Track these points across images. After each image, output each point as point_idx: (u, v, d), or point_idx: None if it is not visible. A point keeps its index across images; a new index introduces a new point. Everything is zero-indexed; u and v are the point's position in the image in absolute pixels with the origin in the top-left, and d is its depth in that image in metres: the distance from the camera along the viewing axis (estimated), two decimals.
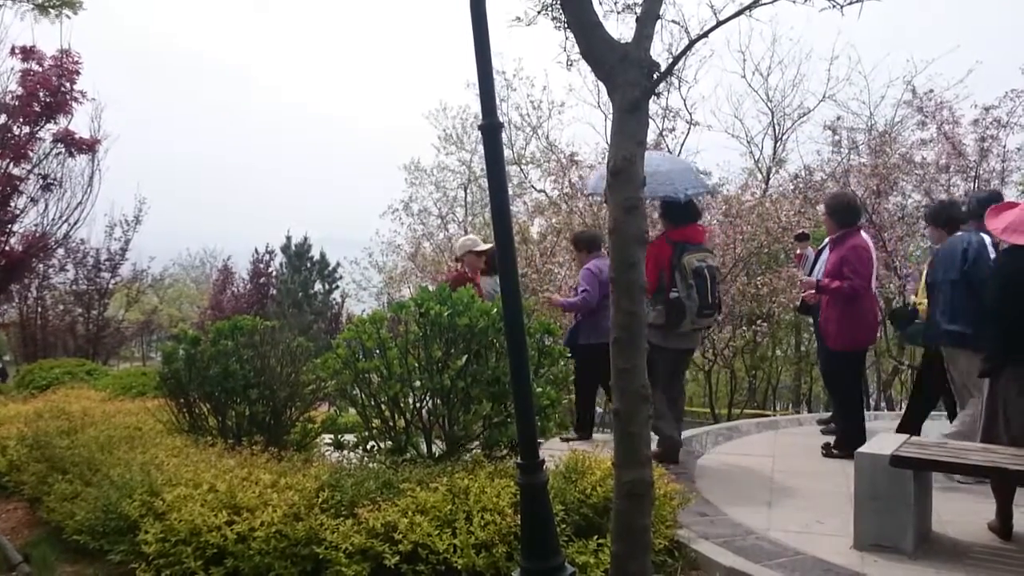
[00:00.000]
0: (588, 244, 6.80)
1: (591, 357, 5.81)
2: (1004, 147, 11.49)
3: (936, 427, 5.56)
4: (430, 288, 4.85)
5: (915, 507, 3.79)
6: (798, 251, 8.21)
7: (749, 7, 2.91)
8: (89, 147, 12.97)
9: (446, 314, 4.45)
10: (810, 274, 6.36)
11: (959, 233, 5.08)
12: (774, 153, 18.78)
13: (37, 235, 12.84)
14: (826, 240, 6.20)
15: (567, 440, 6.32)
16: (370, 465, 4.49)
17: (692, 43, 3.09)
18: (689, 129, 16.41)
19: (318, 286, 25.62)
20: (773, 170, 17.80)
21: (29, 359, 14.09)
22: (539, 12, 3.40)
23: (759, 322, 13.20)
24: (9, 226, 12.38)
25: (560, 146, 16.72)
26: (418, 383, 4.49)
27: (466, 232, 17.47)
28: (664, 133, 15.80)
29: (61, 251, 14.62)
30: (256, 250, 24.81)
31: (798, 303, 7.85)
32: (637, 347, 2.77)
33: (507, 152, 17.42)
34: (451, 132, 20.28)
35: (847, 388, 6.01)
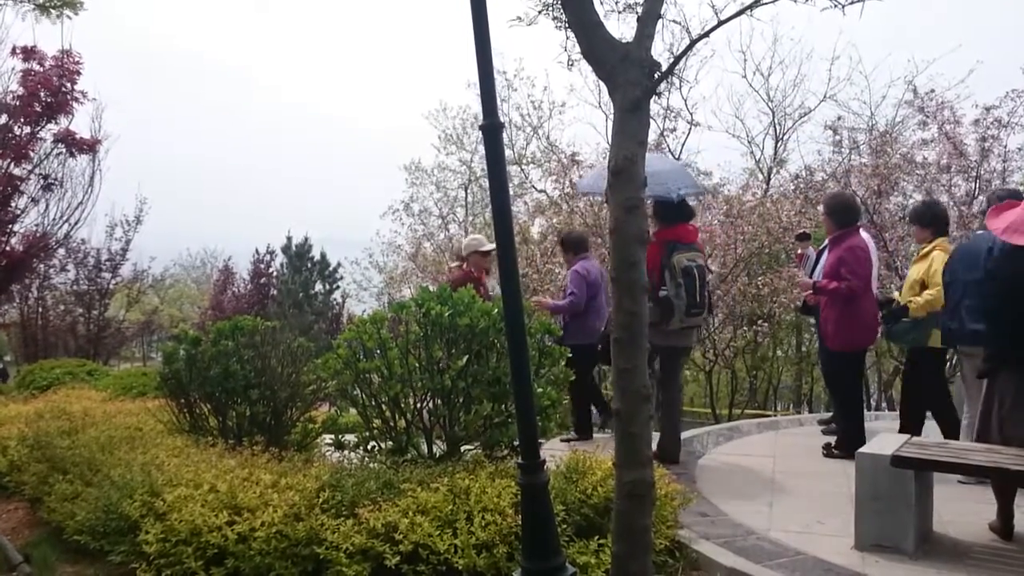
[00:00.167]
0: (576, 246, 6.81)
1: (578, 357, 5.81)
2: (1005, 147, 11.47)
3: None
4: (431, 288, 4.85)
5: (916, 507, 3.79)
6: (799, 251, 8.20)
7: (750, 7, 2.90)
8: (90, 147, 12.98)
9: (447, 314, 4.45)
10: (811, 274, 6.35)
11: (980, 232, 5.04)
12: (775, 153, 18.78)
13: (38, 235, 12.85)
14: (827, 240, 6.20)
15: (567, 440, 6.32)
16: (371, 465, 4.49)
17: (693, 43, 3.09)
18: (690, 129, 16.45)
19: (319, 286, 25.65)
20: (774, 170, 17.81)
21: (30, 359, 14.10)
22: (540, 12, 3.39)
23: (760, 322, 13.19)
24: (10, 226, 12.39)
25: (561, 146, 16.74)
26: (419, 383, 4.49)
27: (467, 232, 17.47)
28: (665, 133, 15.81)
29: (62, 251, 14.64)
30: (257, 250, 24.84)
31: (800, 303, 7.85)
32: (638, 347, 2.77)
33: (508, 152, 17.44)
34: (451, 132, 20.29)
35: (847, 388, 6.01)
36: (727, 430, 7.14)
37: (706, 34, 3.04)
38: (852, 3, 2.91)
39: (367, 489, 3.78)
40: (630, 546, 2.80)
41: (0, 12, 11.05)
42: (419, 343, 4.53)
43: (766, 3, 2.86)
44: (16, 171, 12.29)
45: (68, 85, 12.51)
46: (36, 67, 12.36)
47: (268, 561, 3.50)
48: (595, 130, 28.59)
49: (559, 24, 3.31)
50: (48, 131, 12.59)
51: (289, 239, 25.66)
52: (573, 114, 58.62)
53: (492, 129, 2.90)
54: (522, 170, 18.29)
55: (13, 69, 12.29)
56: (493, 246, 7.00)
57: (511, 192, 13.02)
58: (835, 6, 2.94)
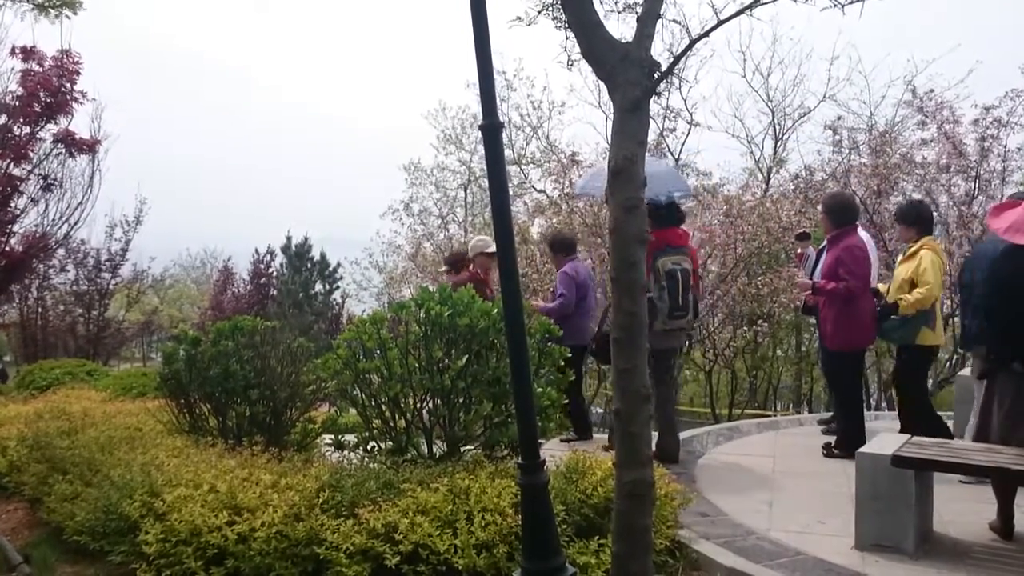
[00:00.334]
0: (564, 247, 6.85)
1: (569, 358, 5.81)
2: (1005, 147, 11.45)
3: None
4: (431, 288, 4.85)
5: (916, 507, 3.79)
6: (799, 251, 8.20)
7: (750, 6, 2.90)
8: (89, 147, 12.97)
9: (447, 314, 4.45)
10: (811, 274, 6.36)
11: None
12: (775, 153, 18.78)
13: (37, 235, 12.84)
14: (825, 240, 6.21)
15: (567, 440, 6.32)
16: (371, 465, 4.49)
17: (693, 42, 3.08)
18: (690, 129, 16.45)
19: (318, 286, 25.64)
20: (774, 170, 17.79)
21: (29, 360, 14.09)
22: (539, 12, 3.39)
23: (760, 322, 13.18)
24: (9, 226, 12.37)
25: (561, 146, 16.74)
26: (419, 383, 4.49)
27: (466, 232, 17.48)
28: (665, 133, 15.82)
29: (61, 251, 14.62)
30: (256, 250, 24.82)
31: (800, 303, 7.86)
32: (638, 347, 2.77)
33: (507, 152, 17.42)
34: (450, 132, 20.30)
35: (846, 388, 6.01)
36: (727, 430, 7.14)
37: (706, 34, 3.04)
38: (852, 2, 2.91)
39: (367, 489, 3.78)
40: (630, 546, 2.79)
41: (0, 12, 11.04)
42: (419, 343, 4.53)
43: (766, 3, 2.86)
44: (16, 171, 12.27)
45: (67, 85, 12.50)
46: (35, 67, 12.35)
47: (268, 561, 3.50)
48: (595, 130, 28.61)
49: (559, 24, 3.31)
50: (48, 131, 12.58)
51: (289, 239, 25.66)
52: (573, 114, 58.57)
53: (492, 129, 2.90)
54: (522, 170, 18.30)
55: (12, 69, 12.30)
56: None
57: (511, 192, 13.03)
58: (835, 6, 2.94)
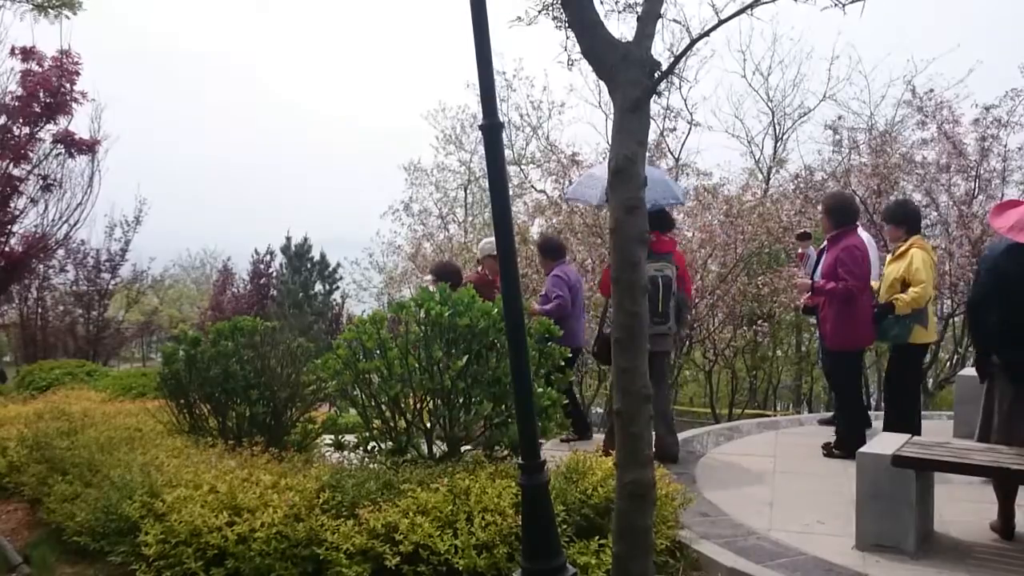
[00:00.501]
0: (554, 251, 6.91)
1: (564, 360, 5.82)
2: (1005, 146, 11.44)
3: (937, 428, 5.56)
4: (431, 288, 4.85)
5: (917, 507, 3.78)
6: (800, 250, 8.19)
7: (750, 6, 2.90)
8: (89, 148, 12.95)
9: (447, 314, 4.45)
10: (812, 273, 6.35)
11: None
12: (775, 153, 18.82)
13: (37, 236, 12.82)
14: (825, 239, 6.21)
15: (567, 440, 6.32)
16: (371, 466, 4.49)
17: (693, 42, 3.08)
18: (690, 129, 16.46)
19: (318, 287, 25.59)
20: (774, 170, 17.83)
21: (29, 360, 14.08)
22: (540, 12, 3.39)
23: (760, 322, 13.19)
24: (9, 227, 12.36)
25: (560, 146, 16.70)
26: (419, 383, 4.48)
27: (466, 233, 17.47)
28: (665, 133, 15.80)
29: (61, 252, 14.61)
30: (256, 251, 24.75)
31: (801, 303, 7.86)
32: (639, 347, 2.77)
33: (507, 152, 17.41)
34: (450, 132, 20.32)
35: (847, 387, 6.01)
36: (727, 430, 7.14)
37: (706, 34, 3.04)
38: (852, 2, 2.91)
39: (367, 490, 3.77)
40: (631, 546, 2.79)
41: None
42: (419, 343, 4.53)
43: (766, 2, 2.86)
44: (15, 172, 12.26)
45: (67, 85, 12.48)
46: (35, 67, 12.33)
47: (268, 562, 3.50)
48: (595, 130, 28.67)
49: (559, 24, 3.31)
50: (47, 132, 12.56)
51: (289, 239, 25.61)
52: (573, 114, 58.58)
53: (492, 129, 2.89)
54: (521, 170, 18.30)
55: (12, 70, 12.28)
56: None
57: (511, 192, 13.01)
58: (835, 5, 2.94)
